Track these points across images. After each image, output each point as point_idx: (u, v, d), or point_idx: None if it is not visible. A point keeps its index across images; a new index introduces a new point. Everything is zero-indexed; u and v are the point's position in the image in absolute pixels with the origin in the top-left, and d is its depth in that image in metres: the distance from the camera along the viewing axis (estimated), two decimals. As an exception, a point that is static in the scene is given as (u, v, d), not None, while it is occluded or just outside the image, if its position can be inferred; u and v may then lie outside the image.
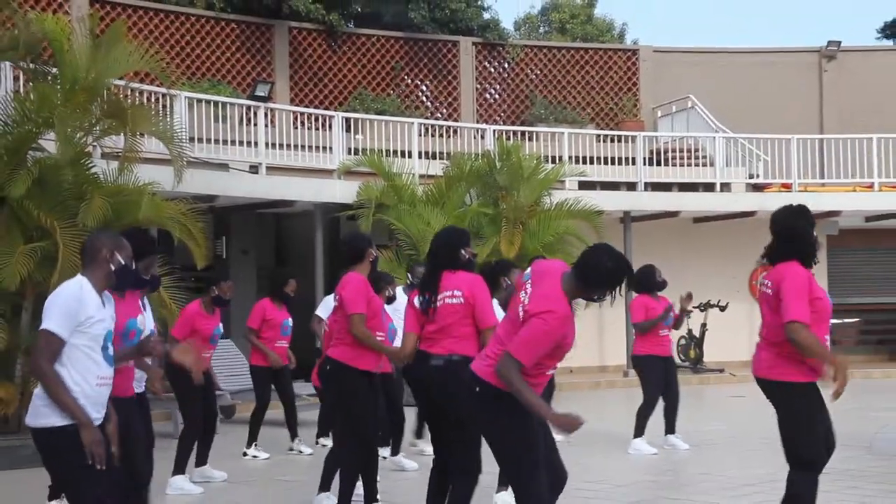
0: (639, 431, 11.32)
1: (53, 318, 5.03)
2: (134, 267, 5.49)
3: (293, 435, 11.51)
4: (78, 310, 5.06)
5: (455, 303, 6.70)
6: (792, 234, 6.41)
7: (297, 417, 11.60)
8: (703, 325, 20.48)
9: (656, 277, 11.40)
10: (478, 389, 5.63)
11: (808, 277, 6.24)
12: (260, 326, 11.06)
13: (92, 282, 5.20)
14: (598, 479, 9.39)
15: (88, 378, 5.09)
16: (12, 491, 9.44)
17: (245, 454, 11.19)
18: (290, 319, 11.27)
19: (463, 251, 6.86)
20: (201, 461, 9.76)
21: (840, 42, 26.02)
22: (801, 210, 6.59)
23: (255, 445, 11.24)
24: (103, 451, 5.01)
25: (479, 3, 25.69)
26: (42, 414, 5.04)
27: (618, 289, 5.55)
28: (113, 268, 5.26)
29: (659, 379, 11.33)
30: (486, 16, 25.72)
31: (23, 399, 11.10)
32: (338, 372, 7.61)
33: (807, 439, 6.27)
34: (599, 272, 5.47)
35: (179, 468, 9.35)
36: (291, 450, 11.48)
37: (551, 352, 5.54)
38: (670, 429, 11.51)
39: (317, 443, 11.58)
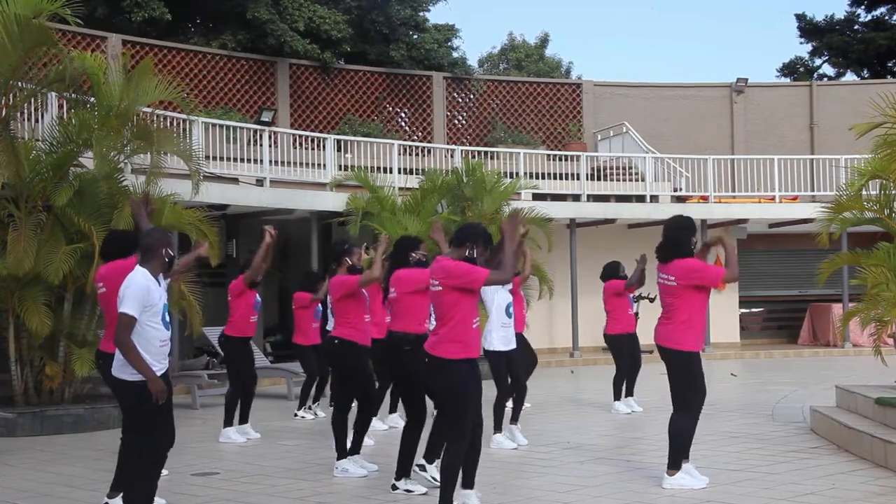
0: (616, 396, 11.46)
1: (129, 303, 5.59)
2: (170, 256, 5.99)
3: (315, 398, 11.63)
4: (145, 296, 5.64)
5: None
6: (676, 241, 7.15)
7: (323, 389, 11.74)
8: (636, 315, 20.43)
9: (620, 271, 11.58)
10: (427, 360, 6.08)
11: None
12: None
13: (150, 271, 5.76)
14: (554, 440, 9.41)
15: (153, 342, 5.69)
16: (60, 450, 9.43)
17: (296, 415, 11.53)
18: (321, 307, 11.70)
19: (413, 254, 7.37)
20: (243, 419, 9.95)
21: (747, 79, 26.16)
22: (686, 221, 7.28)
23: (308, 408, 11.54)
24: (166, 395, 5.68)
25: (449, 43, 25.69)
26: (124, 370, 5.69)
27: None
28: (167, 260, 5.87)
29: (628, 352, 11.41)
30: (455, 55, 25.74)
31: (65, 375, 11.04)
32: (341, 345, 7.84)
33: (695, 392, 7.13)
34: (459, 235, 6.29)
35: (229, 422, 9.77)
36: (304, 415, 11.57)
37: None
38: (629, 392, 11.59)
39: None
